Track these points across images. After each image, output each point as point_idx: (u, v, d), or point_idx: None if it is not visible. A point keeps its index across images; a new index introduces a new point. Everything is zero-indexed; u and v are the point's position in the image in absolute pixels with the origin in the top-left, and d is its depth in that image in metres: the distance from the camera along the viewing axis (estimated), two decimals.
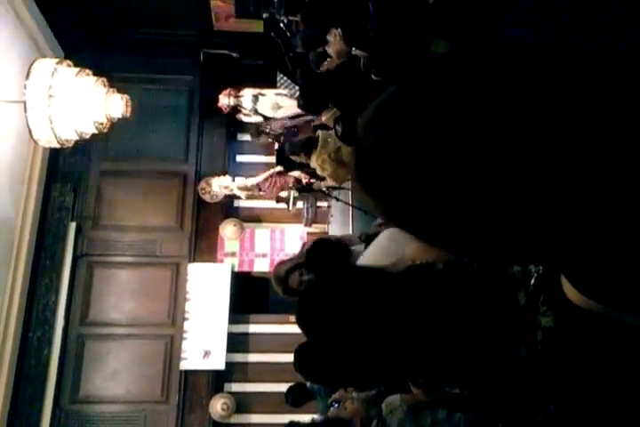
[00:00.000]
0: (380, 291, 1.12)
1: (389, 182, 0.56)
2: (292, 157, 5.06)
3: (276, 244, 7.10)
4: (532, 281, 1.05)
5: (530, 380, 1.10)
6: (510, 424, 1.85)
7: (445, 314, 1.07)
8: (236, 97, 6.20)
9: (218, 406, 6.38)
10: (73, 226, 6.74)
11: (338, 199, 5.46)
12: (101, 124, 4.82)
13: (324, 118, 4.43)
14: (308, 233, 6.95)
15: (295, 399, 4.51)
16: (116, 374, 6.62)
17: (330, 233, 6.72)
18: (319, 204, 6.80)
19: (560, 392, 1.04)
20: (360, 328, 1.11)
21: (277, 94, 6.11)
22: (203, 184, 6.99)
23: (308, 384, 4.30)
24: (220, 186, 6.45)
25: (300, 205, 6.71)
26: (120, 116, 4.88)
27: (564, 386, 0.98)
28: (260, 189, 6.18)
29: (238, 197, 6.74)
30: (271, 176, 6.14)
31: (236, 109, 6.39)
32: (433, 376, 1.17)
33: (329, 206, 6.81)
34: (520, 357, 1.09)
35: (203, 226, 7.07)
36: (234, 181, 6.54)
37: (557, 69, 0.53)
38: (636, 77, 0.54)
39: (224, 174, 6.64)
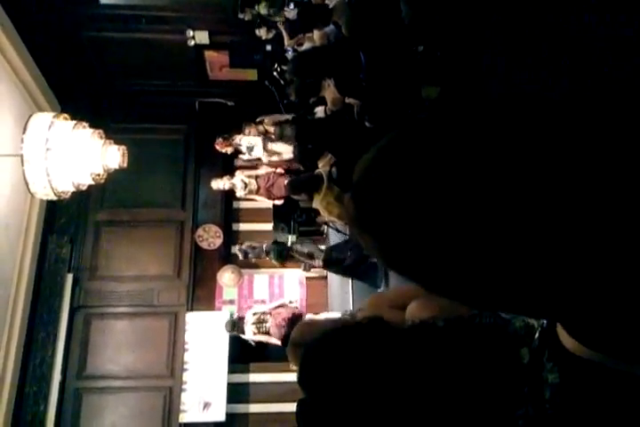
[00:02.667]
0: (382, 350, 1.11)
1: (387, 227, 0.57)
2: (294, 196, 5.08)
3: (274, 289, 7.04)
4: (537, 336, 1.03)
5: None
6: None
7: (448, 373, 1.05)
8: (231, 145, 6.27)
9: None
10: (70, 278, 6.69)
11: (339, 230, 5.44)
12: (98, 175, 4.85)
13: (320, 165, 4.47)
14: (307, 278, 6.90)
15: None
16: None
17: (329, 277, 6.66)
18: None
19: None
20: (362, 388, 1.09)
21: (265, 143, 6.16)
22: (200, 232, 6.99)
23: None
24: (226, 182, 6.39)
25: None
26: (117, 166, 4.91)
27: None
28: (258, 188, 6.15)
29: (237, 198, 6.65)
30: (271, 174, 6.14)
31: (234, 153, 6.47)
32: None
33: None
34: (528, 416, 1.06)
35: (200, 274, 7.03)
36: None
37: (543, 121, 0.55)
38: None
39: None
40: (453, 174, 0.53)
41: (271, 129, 5.94)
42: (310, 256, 5.40)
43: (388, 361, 1.09)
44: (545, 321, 0.99)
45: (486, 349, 1.08)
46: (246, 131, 6.26)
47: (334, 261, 5.13)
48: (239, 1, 5.83)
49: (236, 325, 6.01)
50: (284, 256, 5.71)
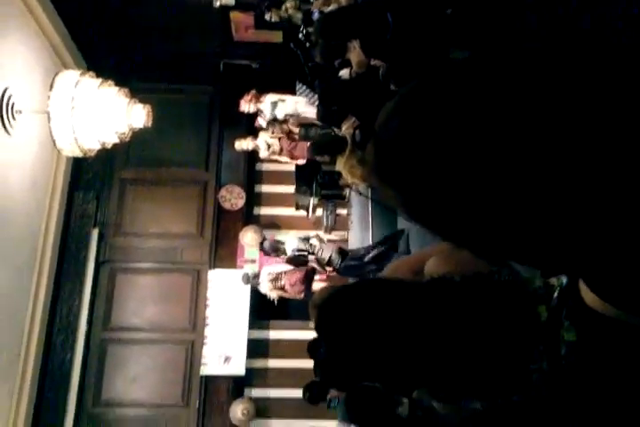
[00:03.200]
0: (400, 302, 1.12)
1: (408, 174, 0.56)
2: (317, 158, 5.09)
3: None
4: (555, 295, 1.04)
5: (553, 396, 1.10)
6: None
7: (465, 327, 1.06)
8: (257, 102, 6.26)
9: (238, 411, 6.41)
10: (95, 233, 6.86)
11: (361, 193, 5.44)
12: (123, 133, 4.88)
13: (343, 128, 4.46)
14: (328, 240, 6.97)
15: (312, 397, 4.59)
16: (137, 379, 6.69)
17: (350, 240, 6.73)
18: (339, 211, 6.82)
19: (582, 412, 1.04)
20: (379, 339, 1.10)
21: (297, 102, 6.15)
22: (223, 192, 7.05)
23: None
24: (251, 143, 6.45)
25: (319, 212, 6.74)
26: (141, 126, 4.93)
27: (587, 404, 0.98)
28: (281, 150, 6.19)
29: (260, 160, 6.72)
30: (292, 138, 6.19)
31: (256, 113, 6.46)
32: (452, 389, 1.17)
33: (348, 214, 6.82)
34: (542, 372, 1.09)
35: (223, 233, 7.13)
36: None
37: (565, 69, 0.55)
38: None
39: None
40: (474, 122, 0.52)
41: (295, 130, 5.93)
42: (328, 263, 5.43)
43: (407, 312, 1.10)
44: (564, 281, 1.00)
45: (504, 305, 1.07)
46: (270, 129, 6.23)
47: (351, 267, 5.15)
48: (265, 3, 5.72)
49: (249, 279, 6.14)
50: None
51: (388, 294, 1.15)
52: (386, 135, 0.58)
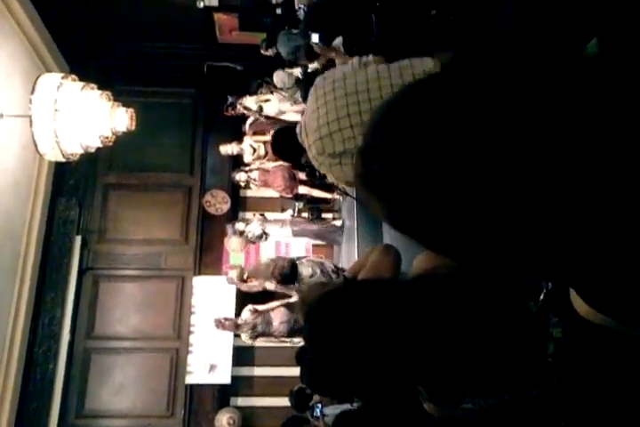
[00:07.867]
0: (388, 301, 1.10)
1: (394, 186, 0.55)
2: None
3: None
4: (542, 297, 1.03)
5: (543, 394, 1.08)
6: None
7: (456, 323, 1.05)
8: (243, 107, 6.24)
9: (224, 420, 6.33)
10: (78, 240, 6.77)
11: (347, 193, 5.38)
12: (106, 137, 4.83)
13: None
14: (314, 245, 6.93)
15: (298, 403, 4.57)
16: (121, 388, 6.60)
17: (335, 251, 6.70)
18: (324, 215, 6.78)
19: (571, 409, 1.02)
20: (370, 339, 1.08)
21: (281, 99, 6.13)
22: (207, 197, 6.99)
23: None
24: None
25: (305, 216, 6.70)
26: (125, 129, 4.89)
27: (576, 402, 0.96)
28: (266, 153, 6.15)
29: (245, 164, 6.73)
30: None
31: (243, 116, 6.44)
32: (449, 389, 1.15)
33: (334, 218, 6.79)
34: (531, 369, 1.08)
35: (208, 239, 7.07)
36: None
37: (556, 78, 0.53)
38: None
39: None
40: (464, 136, 0.51)
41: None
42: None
43: (396, 311, 1.08)
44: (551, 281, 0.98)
45: (494, 300, 1.07)
46: (250, 131, 6.25)
47: None
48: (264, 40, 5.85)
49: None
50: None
51: (377, 296, 1.13)
52: (371, 147, 0.57)
